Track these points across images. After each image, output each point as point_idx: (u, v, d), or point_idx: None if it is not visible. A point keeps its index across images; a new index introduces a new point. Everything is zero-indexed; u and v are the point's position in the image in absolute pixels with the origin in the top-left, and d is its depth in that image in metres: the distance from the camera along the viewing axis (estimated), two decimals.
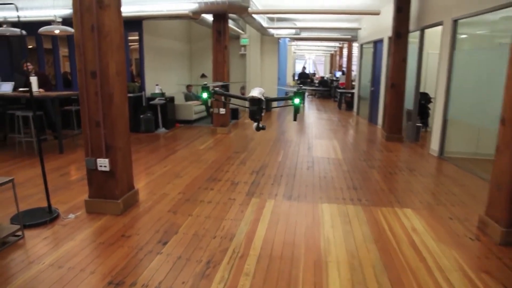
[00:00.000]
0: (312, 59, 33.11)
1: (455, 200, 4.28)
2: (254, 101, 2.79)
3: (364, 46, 11.94)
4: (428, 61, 8.06)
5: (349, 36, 13.43)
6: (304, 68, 21.73)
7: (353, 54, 17.05)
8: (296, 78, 22.59)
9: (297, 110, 2.86)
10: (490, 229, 3.34)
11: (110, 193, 3.66)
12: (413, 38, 7.50)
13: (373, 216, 3.77)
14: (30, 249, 2.95)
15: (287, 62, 18.02)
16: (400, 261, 2.87)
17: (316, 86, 20.34)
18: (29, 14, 7.77)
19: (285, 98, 3.06)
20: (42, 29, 6.19)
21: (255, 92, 2.81)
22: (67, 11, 6.85)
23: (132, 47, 10.16)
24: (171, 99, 9.19)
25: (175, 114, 9.53)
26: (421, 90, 7.73)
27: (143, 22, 8.49)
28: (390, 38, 8.25)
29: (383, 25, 9.11)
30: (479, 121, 5.39)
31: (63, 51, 9.85)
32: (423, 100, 8.14)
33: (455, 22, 5.74)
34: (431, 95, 8.04)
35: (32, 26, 6.59)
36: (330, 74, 24.16)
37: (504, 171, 3.22)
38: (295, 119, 2.95)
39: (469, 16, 5.38)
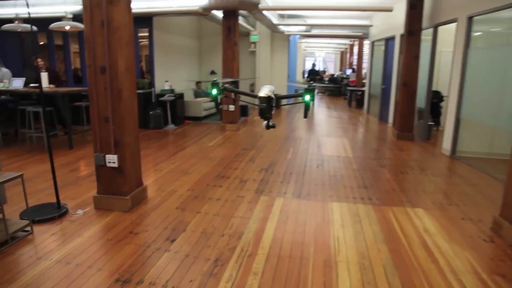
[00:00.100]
0: (322, 56, 32.93)
1: (468, 200, 4.20)
2: (264, 99, 2.75)
3: (375, 43, 11.81)
4: (441, 59, 7.94)
5: (360, 34, 13.31)
6: (313, 65, 21.60)
7: (363, 52, 16.90)
8: (306, 75, 22.47)
9: (307, 107, 2.81)
10: (505, 231, 3.26)
11: (118, 189, 3.65)
12: (425, 36, 7.38)
13: (384, 215, 3.71)
14: (39, 245, 2.95)
15: (297, 60, 17.92)
16: (412, 262, 2.82)
17: (326, 84, 20.21)
18: (40, 11, 7.82)
19: (295, 95, 3.01)
20: (53, 25, 6.21)
21: (265, 90, 2.77)
22: (78, 7, 6.86)
23: (142, 43, 10.18)
24: (181, 96, 9.18)
25: (184, 110, 9.53)
26: (433, 88, 7.62)
27: (153, 19, 8.48)
28: (402, 36, 8.14)
29: (395, 22, 9.00)
30: (493, 120, 5.29)
31: (74, 47, 9.91)
32: (435, 99, 8.03)
33: (470, 19, 5.63)
34: (444, 93, 7.93)
35: (43, 22, 6.62)
36: (340, 72, 24.00)
37: None
38: (305, 116, 2.91)
39: (484, 12, 5.27)
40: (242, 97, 3.50)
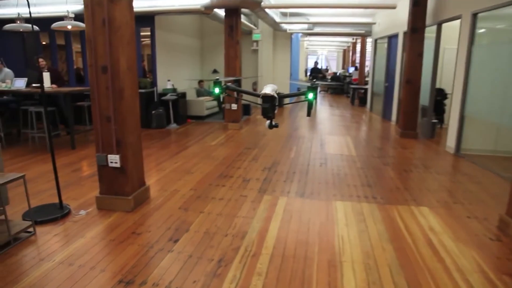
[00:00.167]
0: (324, 54, 32.83)
1: (473, 198, 4.16)
2: (267, 98, 2.71)
3: (378, 41, 11.75)
4: (444, 56, 7.89)
5: (363, 31, 13.25)
6: (316, 63, 21.52)
7: (366, 50, 16.84)
8: (308, 73, 22.40)
9: (310, 106, 2.78)
10: None
11: (120, 189, 3.63)
12: (428, 33, 7.33)
13: (388, 214, 3.68)
14: (41, 246, 2.94)
15: (299, 58, 17.87)
16: (417, 261, 2.78)
17: (329, 82, 20.15)
18: (42, 10, 7.82)
19: (298, 94, 2.97)
20: (54, 25, 6.19)
21: (268, 89, 2.73)
22: (80, 6, 6.84)
23: (144, 42, 10.15)
24: (183, 95, 9.16)
25: (187, 109, 9.51)
26: (437, 86, 7.56)
27: (155, 18, 8.46)
28: (405, 33, 8.09)
29: (398, 19, 8.95)
30: (497, 117, 5.24)
31: (76, 47, 9.89)
32: (439, 96, 7.98)
33: (474, 15, 5.58)
34: (447, 91, 7.88)
35: (45, 22, 6.60)
36: (343, 70, 23.92)
37: None
38: (309, 115, 2.87)
39: (489, 9, 5.22)
40: (245, 96, 3.47)
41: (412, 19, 7.30)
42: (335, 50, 29.92)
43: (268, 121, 2.89)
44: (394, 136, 7.84)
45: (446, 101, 8.08)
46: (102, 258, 2.75)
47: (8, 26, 6.40)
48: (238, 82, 8.31)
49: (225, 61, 8.46)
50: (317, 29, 13.32)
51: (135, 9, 3.69)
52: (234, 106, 8.45)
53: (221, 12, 8.52)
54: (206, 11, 7.65)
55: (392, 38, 9.90)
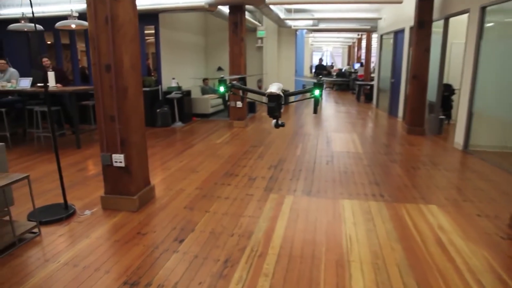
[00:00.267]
0: (329, 51, 32.67)
1: (483, 196, 4.09)
2: (273, 97, 2.66)
3: (384, 36, 11.64)
4: (452, 51, 7.78)
5: (368, 27, 13.14)
6: (320, 60, 21.41)
7: (372, 46, 16.71)
8: (313, 70, 22.29)
9: (317, 102, 2.72)
10: None
11: (125, 189, 3.60)
12: (435, 28, 7.23)
13: (396, 213, 3.62)
14: (46, 247, 2.91)
15: (304, 55, 17.77)
16: (427, 261, 2.73)
17: (334, 78, 20.04)
18: (47, 10, 7.81)
19: (304, 91, 2.92)
20: (58, 24, 6.18)
21: (274, 88, 2.68)
22: (84, 5, 6.81)
23: (148, 40, 10.12)
24: (188, 93, 9.13)
25: (192, 107, 9.48)
26: (444, 81, 7.47)
27: (159, 15, 8.42)
28: (411, 28, 7.99)
29: (404, 14, 8.85)
30: (507, 113, 5.15)
31: (81, 46, 9.90)
32: (446, 92, 7.88)
33: (483, 9, 5.49)
34: (455, 86, 7.79)
35: (49, 22, 6.59)
36: (348, 66, 23.78)
37: None
38: (315, 112, 2.82)
39: (498, 2, 5.13)
40: (250, 95, 3.42)
41: (419, 13, 7.21)
42: (340, 46, 29.75)
43: (274, 120, 2.84)
44: (401, 133, 7.77)
45: (454, 97, 7.99)
46: (107, 259, 2.72)
47: (12, 26, 6.40)
48: (243, 80, 8.26)
49: (229, 59, 8.42)
50: (322, 25, 13.22)
51: (138, 7, 3.65)
52: (239, 104, 8.40)
53: (225, 9, 8.47)
54: (210, 8, 7.60)
55: (398, 33, 9.79)
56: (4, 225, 3.00)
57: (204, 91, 10.40)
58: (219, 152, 5.97)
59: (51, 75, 6.35)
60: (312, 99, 2.72)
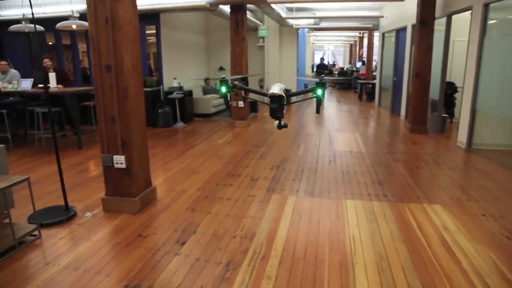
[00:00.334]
0: (331, 49, 32.58)
1: (488, 195, 4.05)
2: (275, 98, 2.62)
3: (386, 35, 11.59)
4: (454, 49, 7.73)
5: (370, 25, 13.08)
6: (322, 59, 21.31)
7: (373, 44, 16.64)
8: (314, 70, 22.22)
9: (319, 102, 2.68)
10: None
11: (126, 190, 3.57)
12: (438, 26, 7.18)
13: (400, 213, 3.58)
14: (47, 250, 2.89)
15: (306, 54, 17.72)
16: (432, 263, 2.69)
17: (336, 77, 19.98)
18: (47, 10, 7.79)
19: (306, 91, 2.88)
20: (59, 24, 6.16)
21: (276, 89, 2.64)
22: (85, 6, 6.79)
23: (149, 41, 10.10)
24: (189, 93, 9.10)
25: (193, 108, 9.45)
26: (447, 79, 7.41)
27: (160, 15, 8.39)
28: (414, 26, 7.94)
29: (406, 12, 8.79)
30: (511, 110, 5.10)
31: (82, 46, 9.88)
32: (449, 90, 7.83)
33: (486, 6, 5.43)
34: (457, 84, 7.73)
35: (50, 22, 6.57)
36: (350, 65, 23.71)
37: None
38: (318, 112, 2.79)
39: None
40: (252, 95, 3.39)
41: (421, 11, 7.16)
42: (341, 45, 29.70)
43: (276, 121, 2.81)
44: (403, 132, 7.72)
45: (456, 95, 7.94)
46: (108, 262, 2.69)
47: (13, 27, 6.37)
48: (245, 80, 8.23)
49: (231, 58, 8.39)
50: (323, 24, 13.16)
51: (139, 7, 3.62)
52: (241, 104, 8.37)
53: (226, 9, 8.44)
54: (211, 7, 7.57)
55: (400, 31, 9.74)
56: (4, 228, 2.97)
57: (205, 91, 10.37)
58: (221, 153, 5.94)
59: (52, 76, 6.33)
60: (314, 99, 2.68)
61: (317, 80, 2.62)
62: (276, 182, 4.48)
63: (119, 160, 3.51)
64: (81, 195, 4.06)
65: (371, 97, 13.72)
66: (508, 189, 4.25)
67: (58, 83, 6.44)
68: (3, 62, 7.00)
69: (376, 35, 15.53)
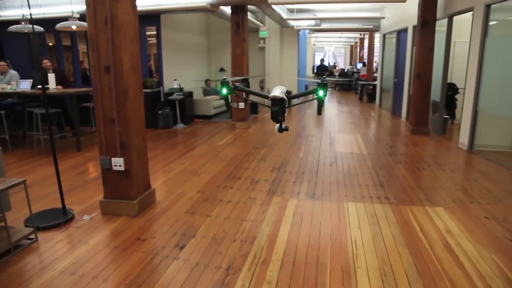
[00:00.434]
0: (331, 51, 32.54)
1: (490, 197, 4.00)
2: (276, 101, 2.57)
3: (387, 36, 11.55)
4: (455, 50, 7.69)
5: (371, 26, 13.05)
6: (322, 60, 21.25)
7: (374, 45, 16.61)
8: (315, 71, 22.18)
9: (321, 103, 2.64)
10: None
11: (125, 193, 3.52)
12: (439, 27, 7.14)
13: (402, 215, 3.54)
14: (43, 254, 2.84)
15: (307, 55, 17.68)
16: (435, 267, 2.64)
17: (337, 78, 19.94)
18: (47, 11, 7.76)
19: (308, 92, 2.84)
20: (59, 25, 6.12)
21: (277, 91, 2.59)
22: (85, 6, 6.76)
23: (150, 42, 10.06)
24: (190, 94, 9.06)
25: (194, 109, 9.41)
26: (448, 80, 7.37)
27: (160, 16, 8.36)
28: (415, 27, 7.90)
29: (407, 13, 8.75)
30: None
31: (82, 47, 9.85)
32: (450, 91, 7.78)
33: (487, 7, 5.39)
34: (458, 85, 7.69)
35: (50, 23, 6.53)
36: (351, 66, 23.67)
37: None
38: (319, 113, 2.74)
39: (503, 0, 5.03)
40: (252, 97, 3.35)
41: (422, 12, 7.12)
42: (342, 46, 29.65)
43: (277, 125, 2.77)
44: (404, 133, 7.68)
45: (458, 96, 7.89)
46: (105, 267, 2.64)
47: (12, 28, 6.34)
48: (246, 81, 8.18)
49: (232, 59, 8.35)
50: (324, 25, 13.13)
51: (140, 8, 3.58)
52: (241, 105, 8.33)
53: (227, 10, 8.40)
54: (212, 8, 7.53)
55: (401, 33, 9.70)
56: None
57: (206, 92, 10.32)
58: (221, 154, 5.90)
59: (51, 77, 6.29)
60: (314, 100, 2.64)
61: (318, 80, 2.57)
62: (277, 185, 4.43)
63: (118, 163, 3.46)
64: (79, 197, 4.02)
65: (371, 98, 13.67)
66: (510, 190, 4.21)
67: (57, 84, 6.40)
68: (2, 63, 6.97)
69: (377, 37, 15.50)
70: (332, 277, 2.52)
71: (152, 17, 8.18)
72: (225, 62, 11.24)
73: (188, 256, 2.79)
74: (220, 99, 9.92)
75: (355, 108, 12.18)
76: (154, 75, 9.78)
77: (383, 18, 11.70)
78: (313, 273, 2.58)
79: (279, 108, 2.58)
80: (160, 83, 8.71)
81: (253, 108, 10.32)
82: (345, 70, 21.72)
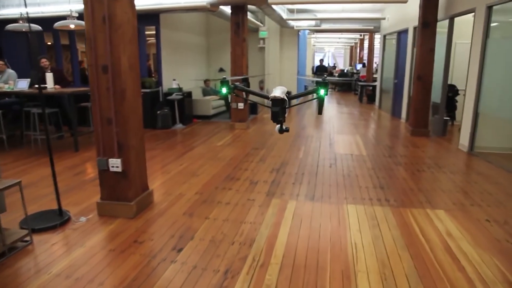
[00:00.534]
0: (331, 51, 32.51)
1: (491, 200, 3.97)
2: (277, 101, 2.53)
3: (387, 37, 11.52)
4: (456, 51, 7.66)
5: (371, 27, 13.03)
6: (321, 60, 21.21)
7: (374, 46, 16.58)
8: (314, 72, 22.14)
9: (321, 103, 2.60)
10: None
11: (122, 195, 3.48)
12: (440, 28, 7.11)
13: (403, 218, 3.50)
14: (38, 256, 2.79)
15: (307, 55, 17.66)
16: (436, 271, 2.60)
17: (336, 79, 19.91)
18: (46, 10, 7.71)
19: (309, 92, 2.80)
20: (57, 24, 6.08)
21: (278, 92, 2.55)
22: (83, 5, 6.72)
23: (149, 41, 10.02)
24: (189, 94, 9.01)
25: (193, 109, 9.36)
26: (448, 82, 7.34)
27: (160, 16, 8.31)
28: (415, 28, 7.87)
29: (408, 14, 8.72)
30: None
31: (81, 47, 9.80)
32: (450, 93, 7.75)
33: (489, 8, 5.36)
34: (459, 87, 7.66)
35: (49, 22, 6.48)
36: (351, 67, 23.64)
37: None
38: (320, 113, 2.70)
39: (505, 1, 5.00)
40: (252, 97, 3.31)
41: (423, 13, 7.09)
42: (342, 47, 29.61)
43: (278, 125, 2.73)
44: (404, 134, 7.64)
45: (458, 98, 7.86)
46: (102, 270, 2.59)
47: (10, 26, 6.29)
48: (246, 81, 8.14)
49: (231, 59, 8.31)
50: (324, 26, 13.11)
51: (139, 7, 3.54)
52: (240, 105, 8.29)
53: (227, 9, 8.37)
54: (212, 8, 7.49)
55: (401, 34, 9.67)
56: None
57: (205, 93, 10.28)
58: (220, 155, 5.85)
59: (49, 76, 6.25)
60: (314, 100, 2.60)
61: (319, 79, 2.54)
62: (276, 186, 4.39)
63: (115, 164, 3.42)
64: (76, 198, 3.97)
65: (371, 99, 13.65)
66: (511, 193, 4.18)
67: (55, 83, 6.36)
68: (0, 62, 6.92)
69: (377, 37, 15.47)
70: (332, 281, 2.48)
71: (152, 17, 8.14)
72: (225, 62, 11.19)
73: (186, 259, 2.75)
74: (219, 99, 9.89)
75: (355, 109, 12.15)
76: (153, 75, 9.74)
77: (384, 19, 11.67)
78: (313, 276, 2.54)
79: (280, 109, 2.54)
80: (159, 83, 8.67)
81: (253, 108, 10.28)
82: (345, 71, 21.69)
